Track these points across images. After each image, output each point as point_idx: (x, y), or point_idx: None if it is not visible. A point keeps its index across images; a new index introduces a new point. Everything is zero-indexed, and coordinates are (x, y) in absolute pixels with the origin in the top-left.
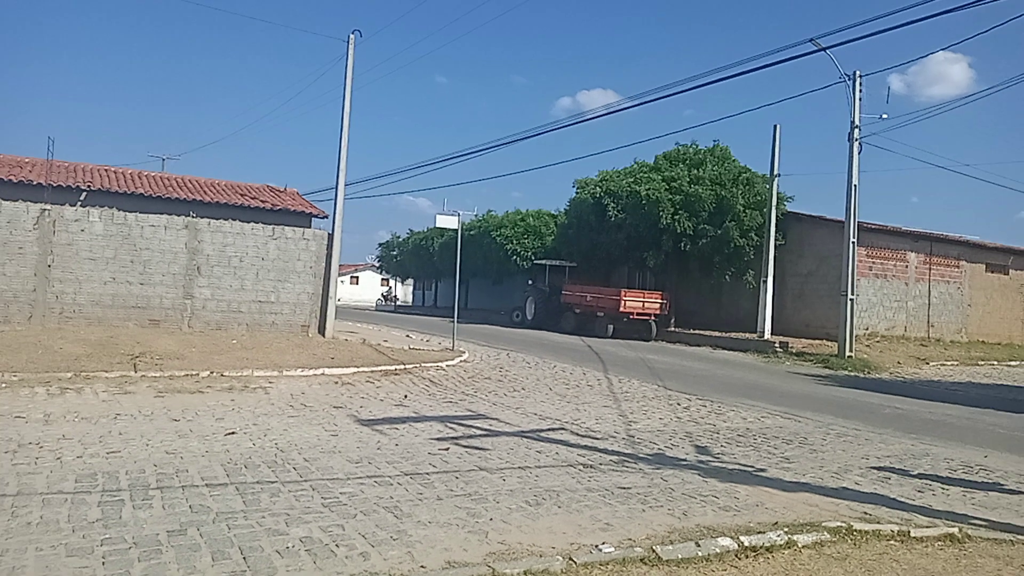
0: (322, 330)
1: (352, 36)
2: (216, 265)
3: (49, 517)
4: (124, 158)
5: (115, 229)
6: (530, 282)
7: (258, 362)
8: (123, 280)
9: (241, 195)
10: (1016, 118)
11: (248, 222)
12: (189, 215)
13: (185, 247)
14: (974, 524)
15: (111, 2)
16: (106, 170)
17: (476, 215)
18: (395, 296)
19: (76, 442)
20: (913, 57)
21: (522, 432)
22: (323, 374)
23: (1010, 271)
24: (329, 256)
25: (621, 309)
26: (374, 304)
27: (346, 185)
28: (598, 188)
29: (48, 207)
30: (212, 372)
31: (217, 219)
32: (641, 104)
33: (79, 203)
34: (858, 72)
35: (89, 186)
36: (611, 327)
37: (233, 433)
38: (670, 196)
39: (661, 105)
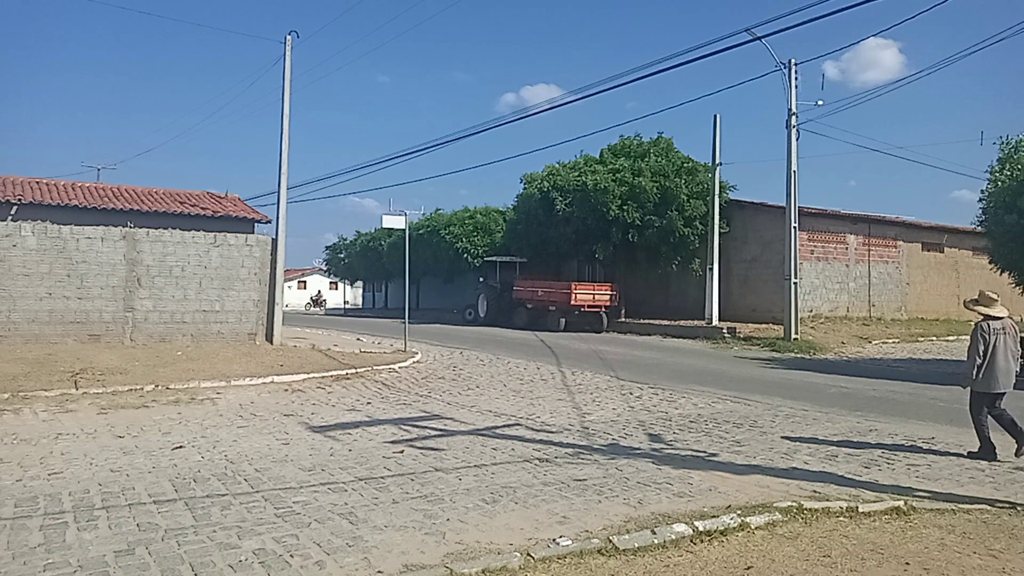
0: (270, 337)
1: (289, 37)
2: (157, 276)
3: None
4: (57, 169)
5: (49, 243)
6: (481, 279)
7: (204, 373)
8: (60, 295)
9: (181, 203)
10: (945, 100)
11: (189, 230)
12: (127, 225)
13: (124, 258)
14: (918, 496)
15: (39, 9)
16: (37, 182)
17: (424, 214)
18: (324, 300)
19: (15, 465)
20: (846, 44)
21: (477, 430)
22: (272, 382)
23: (945, 249)
24: (274, 261)
25: (572, 302)
26: (303, 309)
27: (289, 188)
28: (545, 182)
29: None
30: (157, 386)
31: (156, 228)
32: (584, 98)
33: (10, 217)
34: (793, 60)
35: (20, 199)
36: (563, 320)
37: (181, 447)
38: (617, 188)
39: (605, 99)
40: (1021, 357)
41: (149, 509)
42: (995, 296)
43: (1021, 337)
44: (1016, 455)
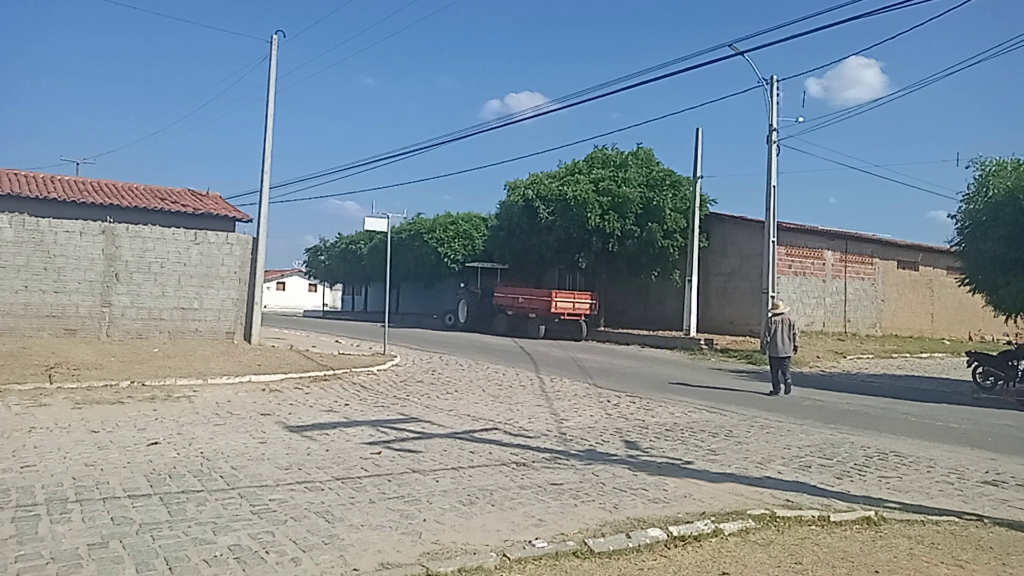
0: (248, 336)
1: (275, 37)
2: (135, 271)
3: None
4: (35, 162)
5: (27, 235)
6: (462, 285)
7: (181, 370)
8: (36, 288)
9: (161, 199)
10: (923, 120)
11: (169, 227)
12: (106, 220)
13: (102, 253)
14: (889, 507)
15: (19, 1)
16: (16, 174)
17: (406, 218)
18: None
19: None
20: (829, 61)
21: (455, 433)
22: (250, 381)
23: (920, 267)
24: (254, 261)
25: (552, 310)
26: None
27: (271, 188)
28: (528, 191)
29: None
30: (133, 382)
31: (136, 224)
32: (568, 106)
33: None
34: (775, 77)
35: None
36: (543, 328)
37: (156, 443)
38: (598, 198)
39: (589, 108)
40: (793, 339)
41: (123, 503)
42: (780, 303)
43: (793, 327)
44: (782, 394)
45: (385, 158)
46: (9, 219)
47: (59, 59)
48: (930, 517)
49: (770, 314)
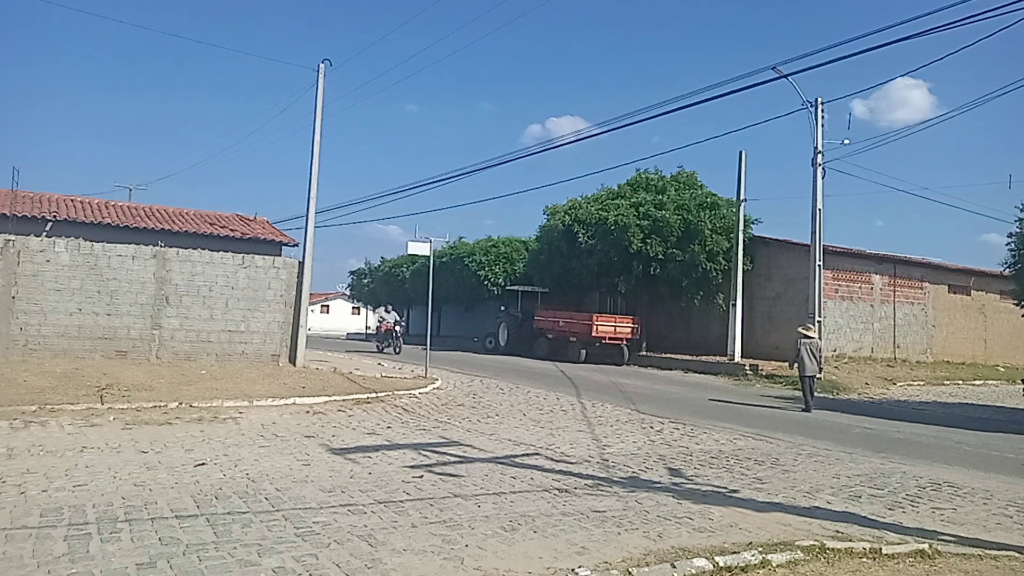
0: (293, 359)
1: (322, 65)
2: (185, 295)
3: (12, 553)
4: (90, 188)
5: (81, 259)
6: (503, 308)
7: (228, 392)
8: (89, 311)
9: (210, 224)
10: (973, 141)
11: (217, 251)
12: (157, 244)
13: (153, 277)
14: (943, 540)
15: (75, 32)
16: (72, 200)
17: (448, 242)
18: (399, 326)
19: (41, 476)
20: (874, 83)
21: (496, 458)
22: (294, 403)
23: (972, 292)
24: (300, 284)
25: (593, 334)
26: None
27: (316, 213)
28: (567, 215)
29: (12, 237)
30: (181, 403)
31: (186, 248)
32: (609, 131)
33: (44, 233)
34: (820, 99)
35: (55, 216)
36: (584, 352)
37: (203, 464)
38: (638, 221)
39: (630, 132)
40: (818, 361)
41: (171, 524)
42: (810, 327)
43: (820, 350)
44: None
45: (427, 183)
46: (65, 243)
47: (112, 89)
48: (988, 551)
49: (800, 336)
